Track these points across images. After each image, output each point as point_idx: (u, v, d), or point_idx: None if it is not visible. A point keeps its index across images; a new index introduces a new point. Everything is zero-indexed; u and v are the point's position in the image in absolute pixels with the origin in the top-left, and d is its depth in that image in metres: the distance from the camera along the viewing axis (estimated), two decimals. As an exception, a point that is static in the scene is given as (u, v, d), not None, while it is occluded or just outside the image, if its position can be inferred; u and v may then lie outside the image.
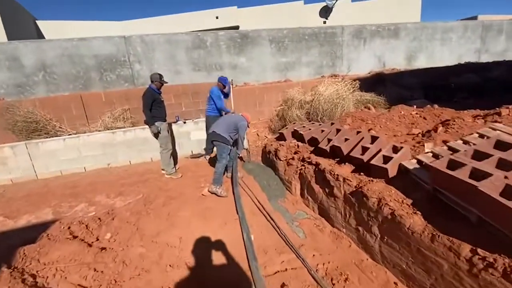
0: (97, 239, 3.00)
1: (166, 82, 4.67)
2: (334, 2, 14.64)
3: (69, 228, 3.20)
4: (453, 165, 2.13)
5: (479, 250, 1.75)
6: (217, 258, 2.52)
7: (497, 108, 3.33)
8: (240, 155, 4.54)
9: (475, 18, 16.72)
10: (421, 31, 9.53)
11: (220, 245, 2.70)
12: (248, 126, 4.25)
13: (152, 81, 4.49)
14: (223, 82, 5.14)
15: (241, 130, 4.07)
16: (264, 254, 2.53)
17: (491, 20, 10.25)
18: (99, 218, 3.39)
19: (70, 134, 5.60)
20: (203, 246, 2.71)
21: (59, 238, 2.97)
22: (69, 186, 4.64)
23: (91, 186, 4.56)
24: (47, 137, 5.35)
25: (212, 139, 3.99)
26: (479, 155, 2.14)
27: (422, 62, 9.85)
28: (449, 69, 8.62)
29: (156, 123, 4.50)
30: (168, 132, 4.77)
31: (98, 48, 6.87)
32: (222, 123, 4.06)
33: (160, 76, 4.51)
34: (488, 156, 2.06)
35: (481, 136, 2.65)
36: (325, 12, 15.20)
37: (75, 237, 3.03)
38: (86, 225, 3.25)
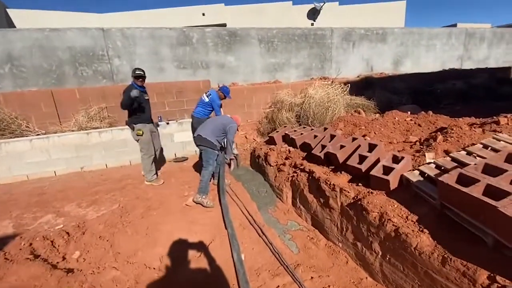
0: (64, 259, 2.61)
1: (143, 75, 3.90)
2: (322, 4, 14.65)
3: (30, 245, 2.77)
4: (464, 180, 1.96)
5: (498, 277, 1.58)
6: (204, 282, 2.22)
7: (494, 117, 3.25)
8: (228, 162, 4.18)
9: (454, 26, 17.32)
10: (408, 36, 9.64)
11: (207, 266, 2.40)
12: (237, 129, 3.94)
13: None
14: (225, 93, 4.67)
15: (230, 134, 3.72)
16: (256, 277, 2.26)
17: (474, 28, 10.57)
18: (67, 233, 2.98)
19: (38, 134, 5.05)
20: (187, 268, 2.39)
21: (17, 258, 2.54)
22: (36, 193, 4.14)
23: (61, 193, 4.09)
24: (11, 137, 4.79)
25: (197, 143, 3.66)
26: (490, 170, 1.99)
27: (407, 67, 9.98)
28: (435, 75, 8.76)
29: (138, 125, 3.98)
30: (153, 135, 4.22)
31: (73, 40, 6.31)
32: (209, 126, 3.71)
33: (134, 70, 3.89)
34: (501, 171, 1.90)
35: (485, 146, 2.53)
36: (313, 14, 15.18)
37: (37, 256, 2.62)
38: (52, 241, 2.84)
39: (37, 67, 6.22)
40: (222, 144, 3.88)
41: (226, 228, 2.87)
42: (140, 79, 3.92)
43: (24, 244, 2.76)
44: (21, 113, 5.27)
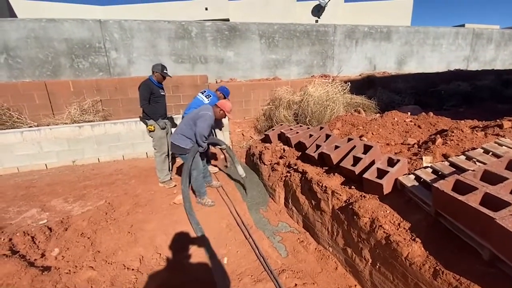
0: (42, 256, 2.53)
1: (169, 76, 3.96)
2: (327, 1, 14.37)
3: (10, 240, 2.69)
4: (461, 187, 1.83)
5: (492, 295, 1.45)
6: (182, 286, 2.11)
7: (497, 120, 3.09)
8: (242, 179, 3.91)
9: (462, 26, 16.96)
10: (413, 35, 9.41)
11: (186, 270, 2.29)
12: (227, 117, 3.42)
13: (152, 72, 3.87)
14: (225, 94, 4.40)
15: (198, 124, 3.11)
16: (237, 282, 2.16)
17: (481, 29, 10.29)
18: (50, 228, 2.90)
19: (30, 126, 4.98)
20: (165, 270, 2.29)
21: (-6, 254, 2.46)
22: (24, 186, 4.07)
23: (49, 187, 4.02)
24: (2, 129, 4.72)
25: (172, 151, 3.39)
26: (490, 177, 1.85)
27: (412, 67, 9.76)
28: (440, 76, 8.54)
29: (150, 121, 3.83)
30: (167, 133, 4.05)
31: (69, 31, 6.21)
32: (180, 128, 3.27)
33: (163, 67, 3.85)
34: (501, 179, 1.76)
35: (486, 151, 2.39)
36: (318, 10, 14.90)
37: (15, 252, 2.54)
38: (32, 237, 2.76)
39: (33, 58, 6.14)
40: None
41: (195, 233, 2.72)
42: (163, 78, 3.91)
43: (3, 239, 2.68)
44: (14, 104, 5.20)
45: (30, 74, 6.16)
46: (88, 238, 2.72)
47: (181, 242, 2.64)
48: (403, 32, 9.28)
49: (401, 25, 10.87)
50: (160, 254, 2.48)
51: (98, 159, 5.08)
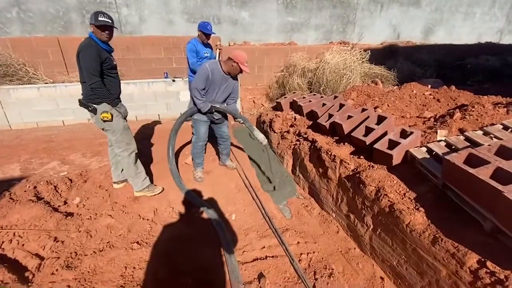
0: (65, 203, 2.75)
1: (114, 27, 2.33)
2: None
3: (35, 187, 2.91)
4: (473, 160, 1.81)
5: (488, 263, 1.51)
6: (192, 238, 2.28)
7: (524, 96, 2.93)
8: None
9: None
10: (445, 0, 8.60)
11: (197, 223, 2.46)
12: (237, 65, 2.63)
13: (91, 27, 2.26)
14: (202, 29, 3.76)
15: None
16: (244, 236, 2.31)
17: (523, -4, 9.27)
18: (70, 179, 3.10)
19: (46, 83, 5.06)
20: (178, 223, 2.46)
21: (22, 199, 2.68)
22: (44, 141, 4.27)
23: (68, 142, 4.20)
24: (19, 84, 4.82)
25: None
26: (505, 152, 1.81)
27: (439, 37, 9.07)
28: (468, 48, 7.95)
29: (101, 106, 2.44)
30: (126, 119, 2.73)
31: (79, -16, 5.98)
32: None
33: (97, 15, 2.19)
34: (517, 155, 1.73)
35: (506, 128, 2.31)
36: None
37: (40, 198, 2.76)
38: (55, 186, 2.97)
39: (44, 12, 6.01)
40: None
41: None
42: (107, 31, 2.28)
43: (29, 187, 2.90)
44: (29, 60, 5.24)
45: (42, 29, 6.08)
46: (106, 190, 2.91)
47: (191, 200, 2.79)
48: (435, -4, 8.48)
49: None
50: (173, 208, 2.65)
51: (112, 118, 5.18)
